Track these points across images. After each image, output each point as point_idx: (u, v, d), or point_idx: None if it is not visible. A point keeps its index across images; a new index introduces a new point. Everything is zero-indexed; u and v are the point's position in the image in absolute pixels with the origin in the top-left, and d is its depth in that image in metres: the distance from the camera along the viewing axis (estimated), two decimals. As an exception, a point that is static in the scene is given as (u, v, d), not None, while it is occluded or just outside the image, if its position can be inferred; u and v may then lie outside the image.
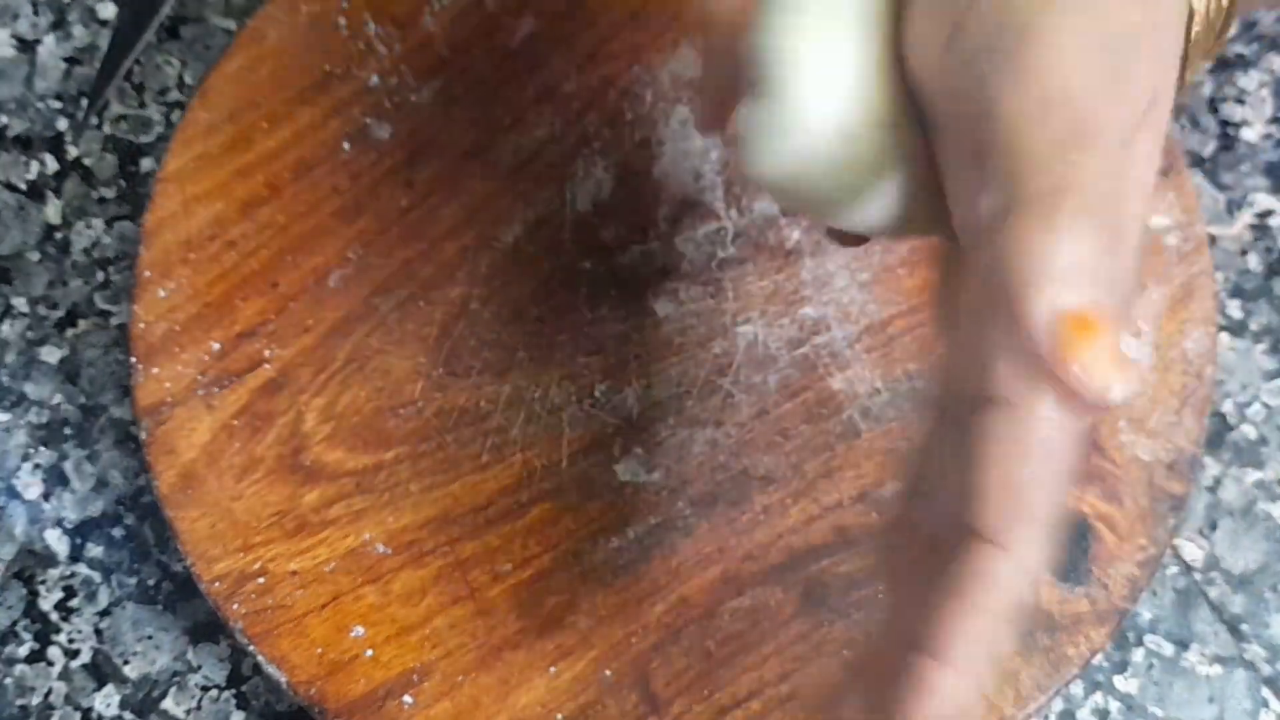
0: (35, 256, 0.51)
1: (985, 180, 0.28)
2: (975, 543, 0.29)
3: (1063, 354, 0.27)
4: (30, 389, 0.50)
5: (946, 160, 0.31)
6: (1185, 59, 0.31)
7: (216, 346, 0.47)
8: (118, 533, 0.48)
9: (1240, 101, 0.53)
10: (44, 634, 0.47)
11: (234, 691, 0.47)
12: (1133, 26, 0.29)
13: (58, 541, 0.48)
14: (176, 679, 0.47)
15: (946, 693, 0.29)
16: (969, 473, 0.29)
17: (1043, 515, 0.29)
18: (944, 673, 0.29)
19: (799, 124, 0.31)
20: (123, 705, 0.46)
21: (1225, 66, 0.53)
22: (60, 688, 0.47)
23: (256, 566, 0.44)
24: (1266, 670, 0.46)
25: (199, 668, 0.47)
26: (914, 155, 0.32)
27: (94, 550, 0.48)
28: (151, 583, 0.48)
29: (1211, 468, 0.48)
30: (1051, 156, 0.27)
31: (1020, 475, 0.28)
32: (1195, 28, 0.32)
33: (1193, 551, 0.48)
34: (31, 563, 0.48)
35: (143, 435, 0.46)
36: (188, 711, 0.46)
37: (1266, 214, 0.51)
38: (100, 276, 0.51)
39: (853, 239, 0.39)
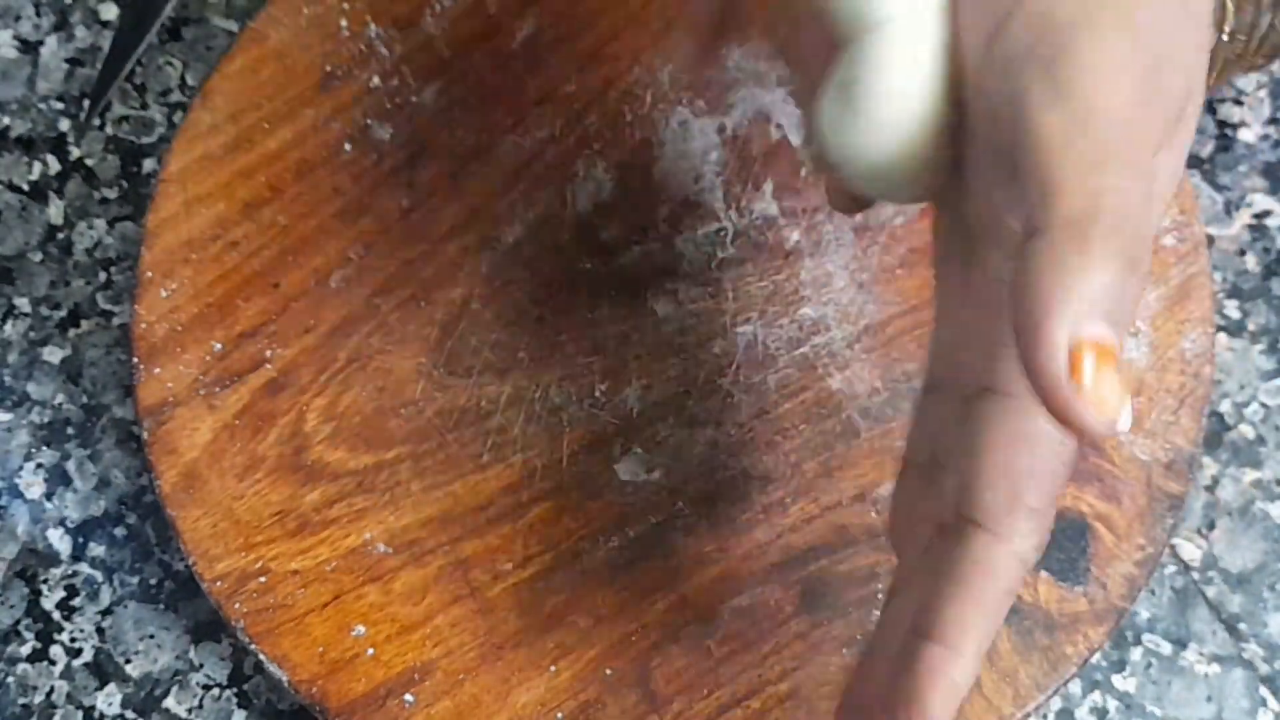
0: (37, 257, 0.51)
1: (1015, 191, 0.28)
2: (974, 530, 0.29)
3: (1077, 384, 0.26)
4: (33, 389, 0.50)
5: (974, 151, 0.31)
6: (1213, 64, 0.32)
7: (218, 346, 0.47)
8: (120, 532, 0.48)
9: (1238, 103, 0.53)
10: (46, 633, 0.47)
11: (235, 690, 0.47)
12: (1168, 44, 0.29)
13: (60, 541, 0.48)
14: (178, 678, 0.47)
15: (955, 677, 0.30)
16: (969, 458, 0.29)
17: (1039, 505, 0.29)
18: (953, 659, 0.30)
19: (885, 116, 0.32)
20: (124, 704, 0.47)
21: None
22: (62, 686, 0.47)
23: (258, 566, 0.44)
24: (1264, 669, 0.46)
25: (201, 666, 0.47)
26: (951, 134, 0.33)
27: (96, 549, 0.48)
28: (153, 582, 0.48)
29: (1209, 467, 0.48)
30: (1084, 177, 0.27)
31: (1018, 464, 0.29)
32: (1226, 28, 0.32)
33: (1191, 551, 0.48)
34: (34, 562, 0.48)
35: (144, 435, 0.46)
36: (189, 710, 0.46)
37: (1264, 214, 0.51)
38: (102, 277, 0.51)
39: (856, 205, 0.38)
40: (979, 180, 0.31)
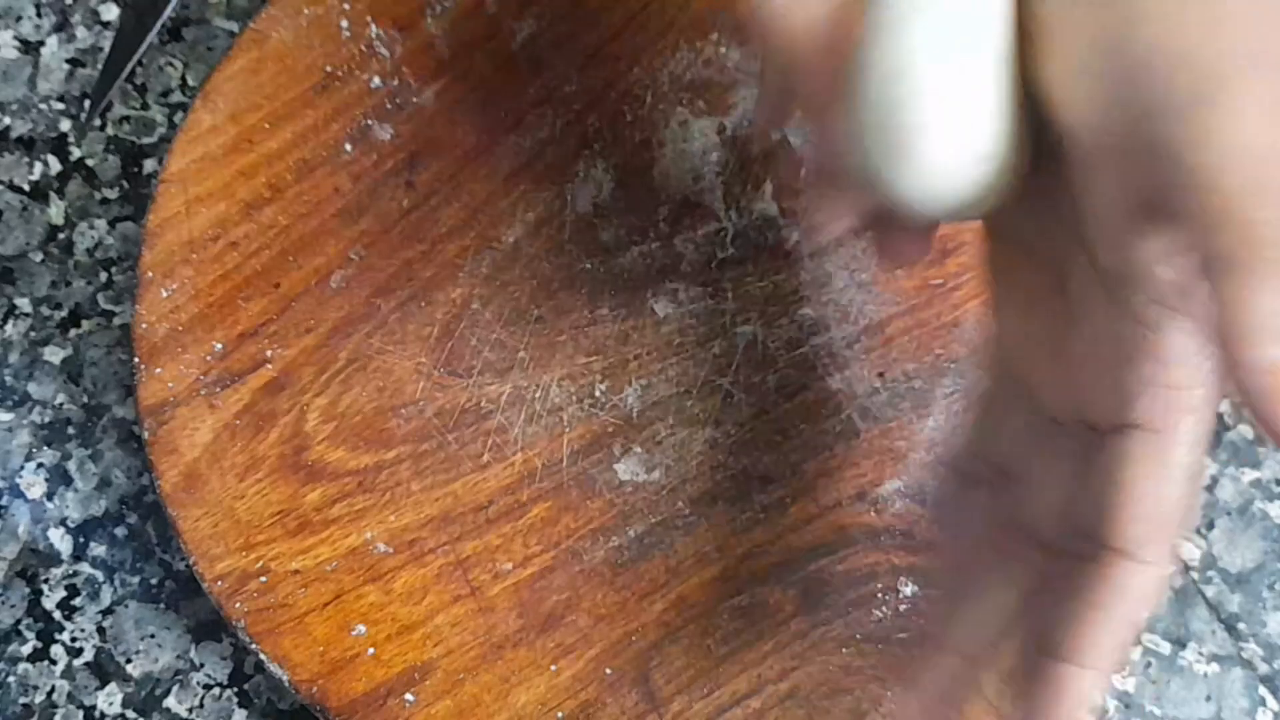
0: (38, 257, 0.52)
1: (1163, 237, 0.30)
2: (1113, 556, 0.31)
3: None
4: (33, 389, 0.50)
5: (1093, 195, 0.31)
6: None
7: (219, 346, 0.47)
8: (120, 532, 0.48)
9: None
10: (47, 632, 0.47)
11: (236, 690, 0.47)
12: None
13: (61, 540, 0.48)
14: (179, 677, 0.47)
15: (1084, 694, 0.32)
16: (1107, 492, 0.31)
17: (1176, 530, 0.31)
18: (1084, 676, 0.31)
19: (942, 161, 0.32)
20: (125, 704, 0.47)
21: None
22: (63, 686, 0.47)
23: (258, 565, 0.45)
24: (1263, 668, 0.46)
25: (201, 666, 0.47)
26: (1022, 158, 0.32)
27: (97, 549, 0.48)
28: (154, 581, 0.48)
29: (1209, 467, 0.49)
30: (1255, 208, 0.28)
31: (1162, 494, 0.31)
32: None
33: (1190, 550, 0.48)
34: (35, 562, 0.48)
35: (145, 435, 0.46)
36: (190, 710, 0.47)
37: (1263, 215, 0.51)
38: (103, 277, 0.51)
39: (913, 247, 0.39)
40: (1104, 228, 0.31)
